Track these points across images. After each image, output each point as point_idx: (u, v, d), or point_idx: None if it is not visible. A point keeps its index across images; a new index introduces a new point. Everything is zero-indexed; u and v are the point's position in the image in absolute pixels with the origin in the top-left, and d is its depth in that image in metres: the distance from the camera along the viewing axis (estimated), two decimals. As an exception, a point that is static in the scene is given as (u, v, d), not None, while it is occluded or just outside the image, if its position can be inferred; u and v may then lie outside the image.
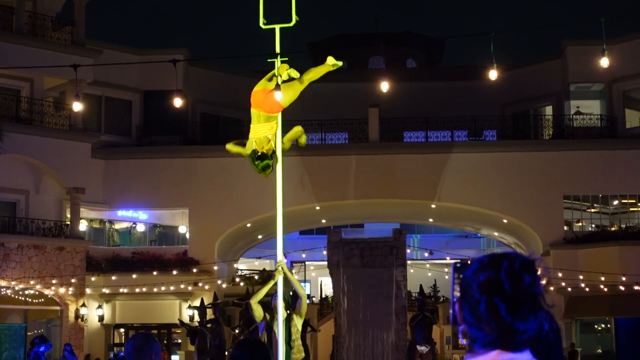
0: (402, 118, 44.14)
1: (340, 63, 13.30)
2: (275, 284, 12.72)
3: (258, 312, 12.80)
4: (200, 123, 46.14)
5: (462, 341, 2.79)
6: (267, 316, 12.85)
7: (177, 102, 25.18)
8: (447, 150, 42.27)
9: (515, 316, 2.63)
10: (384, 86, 24.84)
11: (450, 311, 2.84)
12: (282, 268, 12.60)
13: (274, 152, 12.72)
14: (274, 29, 13.16)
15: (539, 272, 2.68)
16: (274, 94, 12.72)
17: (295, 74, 13.14)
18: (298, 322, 12.95)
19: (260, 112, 12.66)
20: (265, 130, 12.66)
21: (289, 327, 12.74)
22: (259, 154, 12.60)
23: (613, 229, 43.09)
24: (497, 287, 2.64)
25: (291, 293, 13.41)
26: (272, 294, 12.99)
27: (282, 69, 13.22)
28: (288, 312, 12.82)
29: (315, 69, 13.18)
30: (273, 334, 12.58)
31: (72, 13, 42.01)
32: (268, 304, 12.95)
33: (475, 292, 2.67)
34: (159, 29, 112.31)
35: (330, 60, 13.22)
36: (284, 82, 13.03)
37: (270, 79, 13.07)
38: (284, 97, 12.71)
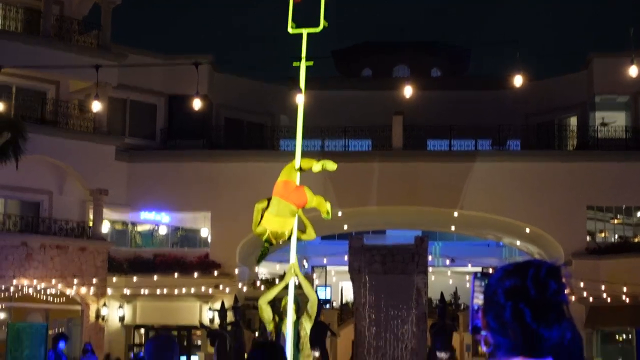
0: (426, 126, 44.13)
1: (329, 217, 13.36)
2: (286, 286, 12.73)
3: (267, 313, 12.74)
4: (224, 128, 46.26)
5: (484, 349, 2.81)
6: (277, 318, 12.84)
7: (197, 103, 25.33)
8: (471, 159, 42.21)
9: (541, 323, 2.66)
10: (408, 91, 24.85)
11: (470, 321, 2.87)
12: (293, 270, 12.64)
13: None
14: (301, 34, 13.18)
15: (563, 280, 2.71)
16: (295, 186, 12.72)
17: (331, 166, 13.14)
18: (307, 326, 12.91)
19: (281, 202, 12.53)
20: (286, 227, 12.63)
21: (298, 331, 12.72)
22: (271, 242, 12.78)
23: (636, 240, 42.91)
24: (523, 294, 2.67)
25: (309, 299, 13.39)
26: (282, 297, 12.98)
27: (309, 163, 13.18)
28: (298, 315, 12.79)
29: (320, 202, 13.11)
30: (282, 337, 12.56)
31: (99, 17, 42.23)
32: (277, 308, 12.94)
33: (501, 298, 2.70)
34: (186, 37, 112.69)
35: (328, 206, 13.24)
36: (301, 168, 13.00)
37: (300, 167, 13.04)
38: (311, 197, 12.76)
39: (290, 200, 12.46)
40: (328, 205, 13.03)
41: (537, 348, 2.68)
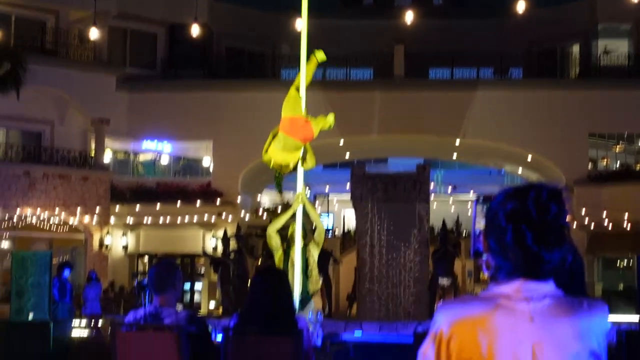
0: (427, 55, 43.91)
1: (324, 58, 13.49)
2: (294, 214, 12.77)
3: (275, 240, 12.81)
4: (225, 57, 46.05)
5: (486, 272, 2.85)
6: (284, 245, 12.90)
7: (196, 29, 25.19)
8: (473, 87, 42.07)
9: (541, 245, 2.68)
10: (409, 18, 24.74)
11: (471, 245, 2.90)
12: (301, 198, 12.67)
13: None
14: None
15: (564, 203, 2.73)
16: (306, 124, 12.71)
17: (321, 56, 13.27)
18: (314, 253, 12.97)
19: (288, 138, 12.51)
20: (290, 159, 12.64)
21: (306, 258, 12.78)
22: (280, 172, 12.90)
23: (638, 167, 42.97)
24: (524, 216, 2.69)
25: (314, 226, 13.42)
26: (288, 225, 13.01)
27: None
28: (305, 242, 12.84)
29: (323, 125, 13.16)
30: (289, 264, 12.63)
31: (98, -57, 41.84)
32: (285, 236, 12.98)
33: (502, 221, 2.72)
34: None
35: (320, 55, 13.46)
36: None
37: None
38: (316, 128, 12.77)
39: (297, 137, 12.49)
40: (330, 118, 13.18)
41: (538, 270, 2.71)
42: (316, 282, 13.06)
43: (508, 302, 2.70)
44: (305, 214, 12.78)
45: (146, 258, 42.67)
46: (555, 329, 2.65)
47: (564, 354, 2.63)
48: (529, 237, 2.66)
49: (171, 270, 6.91)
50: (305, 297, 12.55)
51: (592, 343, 2.67)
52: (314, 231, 13.13)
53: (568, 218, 2.77)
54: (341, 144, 42.42)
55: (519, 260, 2.69)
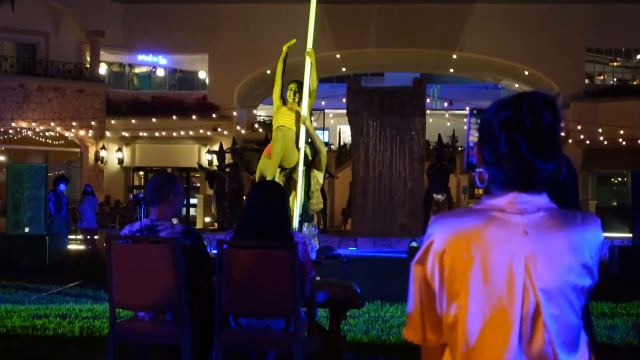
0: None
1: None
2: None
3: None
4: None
5: (479, 184, 2.82)
6: (287, 172, 12.89)
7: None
8: (471, -1, 41.73)
9: (535, 154, 2.65)
10: None
11: (465, 157, 2.86)
12: (305, 122, 12.63)
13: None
14: None
15: (559, 111, 2.70)
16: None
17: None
18: (319, 175, 12.99)
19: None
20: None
21: (309, 179, 12.78)
22: None
23: (635, 83, 42.82)
24: (519, 124, 2.66)
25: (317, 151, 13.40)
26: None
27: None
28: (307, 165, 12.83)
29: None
30: (292, 183, 12.63)
31: None
32: (289, 176, 12.95)
33: (496, 130, 2.69)
34: None
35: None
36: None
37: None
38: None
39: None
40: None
41: (532, 181, 2.69)
42: (318, 203, 13.09)
43: (502, 214, 2.68)
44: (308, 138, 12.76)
45: (141, 172, 42.73)
46: (548, 242, 2.64)
47: (557, 266, 2.62)
48: (522, 146, 2.63)
49: (170, 181, 6.87)
50: (306, 218, 12.59)
51: (585, 256, 2.66)
52: (314, 155, 13.10)
53: (563, 132, 2.74)
54: (338, 57, 42.19)
55: (513, 170, 2.66)
